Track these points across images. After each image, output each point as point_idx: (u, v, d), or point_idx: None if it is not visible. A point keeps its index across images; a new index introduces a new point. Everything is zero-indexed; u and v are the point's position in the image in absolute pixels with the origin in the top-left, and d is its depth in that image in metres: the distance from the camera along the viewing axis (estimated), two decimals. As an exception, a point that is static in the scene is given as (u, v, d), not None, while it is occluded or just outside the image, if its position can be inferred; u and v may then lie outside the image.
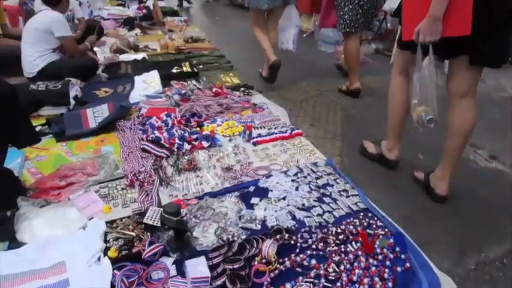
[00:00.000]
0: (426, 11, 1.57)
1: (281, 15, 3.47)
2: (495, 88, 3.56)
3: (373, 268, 1.38)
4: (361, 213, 1.70)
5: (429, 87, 1.69)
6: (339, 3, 3.18)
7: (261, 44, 3.41)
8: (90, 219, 1.60)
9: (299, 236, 1.54)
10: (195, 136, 2.29)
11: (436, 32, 1.58)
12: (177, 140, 2.22)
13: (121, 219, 1.63)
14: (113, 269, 1.31)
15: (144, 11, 6.50)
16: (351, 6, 3.12)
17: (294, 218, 1.66)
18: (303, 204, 1.74)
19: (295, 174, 1.99)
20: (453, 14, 1.53)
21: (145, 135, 2.31)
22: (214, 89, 2.96)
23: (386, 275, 1.34)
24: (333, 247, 1.47)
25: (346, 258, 1.42)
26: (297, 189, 1.86)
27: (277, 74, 3.44)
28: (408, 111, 1.91)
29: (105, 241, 1.48)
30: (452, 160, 1.91)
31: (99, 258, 1.38)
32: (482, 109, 2.99)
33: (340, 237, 1.52)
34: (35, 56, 3.15)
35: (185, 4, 9.05)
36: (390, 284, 1.31)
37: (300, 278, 1.33)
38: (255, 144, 2.32)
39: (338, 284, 1.31)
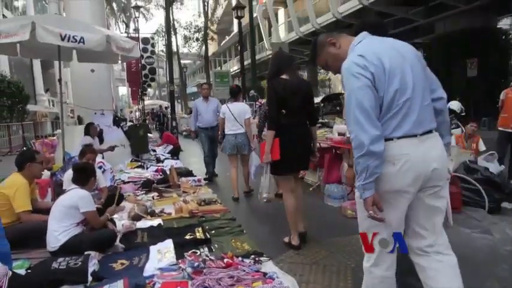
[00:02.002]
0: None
1: (247, 157, 5.79)
2: (502, 241, 3.55)
3: None
4: None
5: (271, 182, 3.88)
6: None
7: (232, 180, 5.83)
8: None
9: None
10: (206, 316, 2.33)
11: (268, 159, 3.58)
12: (189, 322, 2.26)
13: None
14: None
15: (161, 173, 7.08)
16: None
17: None
18: None
19: None
20: (272, 151, 3.54)
21: (158, 316, 2.35)
22: (225, 260, 3.07)
23: None
24: None
25: None
26: None
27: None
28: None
29: None
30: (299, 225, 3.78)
31: None
32: (490, 267, 3.00)
33: None
34: (59, 231, 3.39)
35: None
36: None
37: None
38: (266, 322, 2.34)
39: None
